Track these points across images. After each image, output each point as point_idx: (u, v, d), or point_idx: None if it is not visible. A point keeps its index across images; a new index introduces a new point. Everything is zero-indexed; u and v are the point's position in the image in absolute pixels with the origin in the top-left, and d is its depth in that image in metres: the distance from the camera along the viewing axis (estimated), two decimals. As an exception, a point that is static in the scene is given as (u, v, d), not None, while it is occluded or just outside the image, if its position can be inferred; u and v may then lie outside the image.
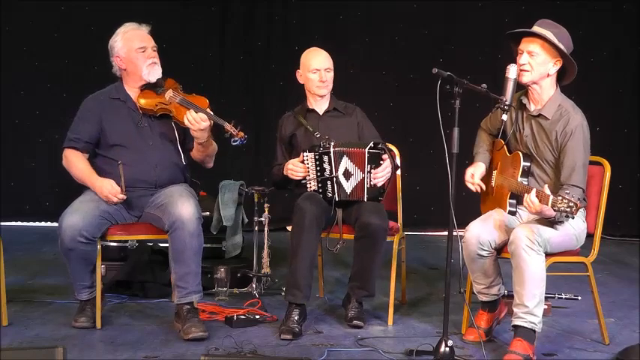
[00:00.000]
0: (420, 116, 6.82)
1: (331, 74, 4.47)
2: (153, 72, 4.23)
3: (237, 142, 4.18)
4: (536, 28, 3.87)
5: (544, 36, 3.82)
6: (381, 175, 4.26)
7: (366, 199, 4.26)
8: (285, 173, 4.37)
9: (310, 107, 4.53)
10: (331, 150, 4.24)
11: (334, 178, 4.25)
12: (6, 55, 7.03)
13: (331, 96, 4.55)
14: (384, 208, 4.32)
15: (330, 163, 4.25)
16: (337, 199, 4.27)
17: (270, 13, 7.30)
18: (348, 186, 4.26)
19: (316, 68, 4.43)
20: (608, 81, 7.23)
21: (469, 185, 4.11)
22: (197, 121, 4.08)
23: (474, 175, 4.10)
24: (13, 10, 7.02)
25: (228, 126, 4.14)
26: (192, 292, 4.04)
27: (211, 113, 4.16)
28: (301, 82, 4.53)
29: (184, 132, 4.27)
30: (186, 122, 4.10)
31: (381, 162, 4.27)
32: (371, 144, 4.26)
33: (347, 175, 4.26)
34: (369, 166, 4.24)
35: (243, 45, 7.29)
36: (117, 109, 4.26)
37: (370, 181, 4.25)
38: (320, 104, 4.52)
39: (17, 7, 7.02)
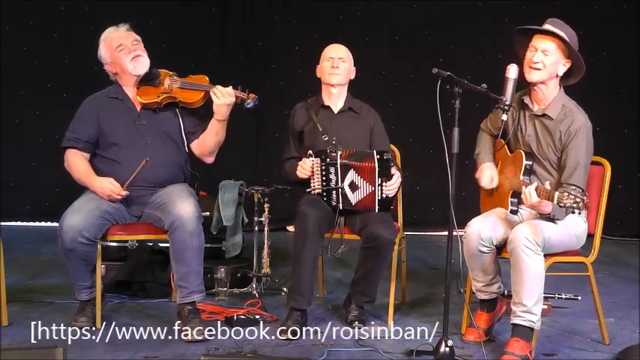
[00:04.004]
0: (420, 116, 6.82)
1: (346, 65, 4.43)
2: (138, 64, 4.24)
3: (252, 104, 4.20)
4: (551, 27, 3.86)
5: (562, 36, 3.82)
6: (393, 187, 4.22)
7: (377, 210, 4.23)
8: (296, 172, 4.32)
9: (325, 104, 4.48)
10: (338, 162, 4.21)
11: (339, 189, 4.24)
12: (6, 55, 7.02)
13: (348, 94, 4.50)
14: (391, 218, 4.32)
15: (336, 174, 4.22)
16: (341, 208, 4.26)
17: (270, 13, 7.30)
18: (354, 197, 4.24)
19: (330, 56, 4.42)
20: (608, 81, 7.22)
21: (487, 187, 4.09)
22: (224, 94, 4.12)
23: (494, 179, 4.08)
24: (13, 10, 7.02)
25: (236, 92, 4.16)
26: (194, 291, 4.04)
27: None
28: (318, 75, 4.50)
29: (185, 122, 4.29)
30: (213, 97, 4.14)
31: (392, 173, 4.22)
32: (377, 156, 4.20)
33: (353, 187, 4.23)
34: (379, 179, 4.19)
35: (243, 45, 7.29)
36: (115, 108, 4.27)
37: (382, 193, 4.22)
38: (335, 101, 4.46)
39: (17, 7, 7.02)
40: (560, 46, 3.85)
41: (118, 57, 4.24)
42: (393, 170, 4.23)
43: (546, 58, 3.85)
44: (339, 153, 4.22)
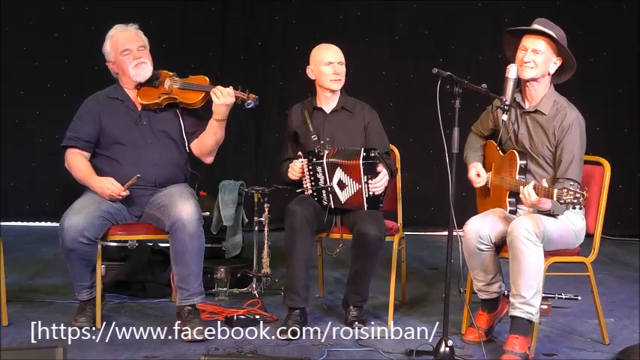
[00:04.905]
0: (420, 116, 6.83)
1: (344, 69, 4.40)
2: (140, 72, 4.24)
3: (252, 104, 4.21)
4: (539, 27, 3.87)
5: (551, 35, 3.83)
6: (379, 184, 4.22)
7: (366, 208, 4.24)
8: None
9: (318, 105, 4.45)
10: (324, 161, 4.22)
11: (329, 188, 4.24)
12: (6, 55, 7.03)
13: (342, 93, 4.46)
14: (382, 216, 4.31)
15: (324, 174, 4.23)
16: (332, 207, 4.26)
17: (270, 13, 7.30)
18: (343, 196, 4.24)
19: (330, 61, 4.36)
20: (608, 81, 7.23)
21: (478, 184, 4.10)
22: (224, 95, 4.12)
23: (480, 174, 4.09)
24: (13, 10, 7.02)
25: (237, 92, 4.16)
26: (194, 293, 4.04)
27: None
28: (312, 77, 4.43)
29: (185, 122, 4.29)
30: (213, 96, 4.14)
31: (378, 170, 4.22)
32: (363, 153, 4.20)
33: (341, 185, 4.24)
34: (365, 177, 4.19)
35: (243, 45, 7.29)
36: (115, 109, 4.27)
37: (369, 191, 4.22)
38: (328, 102, 4.44)
39: (17, 7, 7.02)
40: (549, 44, 3.87)
41: (122, 61, 4.24)
42: (379, 168, 4.22)
43: (537, 57, 3.86)
44: (326, 152, 4.23)
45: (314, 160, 4.24)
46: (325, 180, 4.24)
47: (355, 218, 4.22)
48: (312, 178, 4.26)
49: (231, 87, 4.18)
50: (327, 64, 4.37)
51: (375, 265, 4.24)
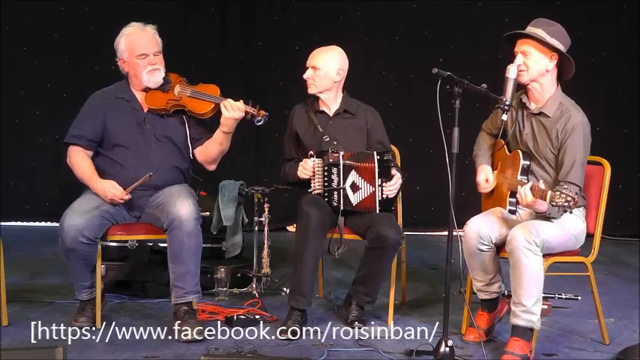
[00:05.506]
0: (420, 116, 6.82)
1: (320, 72, 4.34)
2: (153, 78, 4.22)
3: (262, 122, 4.21)
4: (528, 29, 3.90)
5: (534, 35, 3.84)
6: (393, 187, 4.23)
7: (378, 211, 4.23)
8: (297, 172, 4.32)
9: (320, 108, 4.45)
10: (341, 162, 4.21)
11: (341, 190, 4.24)
12: (6, 55, 7.03)
13: (344, 95, 4.47)
14: (395, 218, 4.31)
15: (338, 175, 4.22)
16: (342, 209, 4.26)
17: (270, 14, 7.31)
18: (355, 198, 4.24)
19: (306, 65, 4.40)
20: (608, 81, 7.23)
21: (484, 190, 4.12)
22: (234, 109, 4.11)
23: (489, 180, 4.11)
24: (13, 10, 7.02)
25: (248, 107, 4.14)
26: (190, 292, 4.04)
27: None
28: None
29: (191, 129, 4.28)
30: (222, 109, 4.12)
31: (392, 174, 4.23)
32: (377, 157, 4.21)
33: (354, 187, 4.23)
34: (379, 179, 4.20)
35: (243, 45, 7.29)
36: (121, 109, 4.25)
37: (382, 194, 4.23)
38: (329, 105, 4.43)
39: (17, 7, 7.02)
40: (537, 44, 3.87)
41: (137, 64, 4.20)
42: (394, 171, 4.23)
43: (527, 59, 3.88)
44: (342, 154, 4.23)
45: (330, 160, 4.22)
46: (339, 181, 4.23)
47: (370, 221, 4.21)
48: (325, 179, 4.25)
49: (241, 101, 4.17)
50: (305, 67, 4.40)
51: (389, 267, 4.25)
